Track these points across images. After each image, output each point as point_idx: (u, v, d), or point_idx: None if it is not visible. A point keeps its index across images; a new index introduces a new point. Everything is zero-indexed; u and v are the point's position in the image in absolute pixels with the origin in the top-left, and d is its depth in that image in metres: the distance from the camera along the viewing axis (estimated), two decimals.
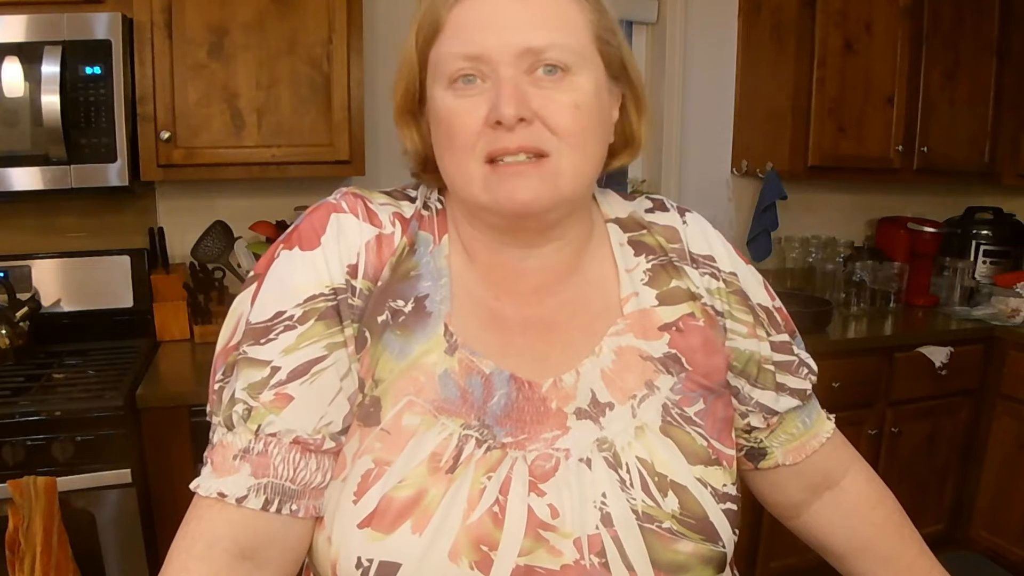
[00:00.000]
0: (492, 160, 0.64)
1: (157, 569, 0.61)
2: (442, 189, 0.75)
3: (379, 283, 0.67)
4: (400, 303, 0.67)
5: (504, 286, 0.71)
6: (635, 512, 0.64)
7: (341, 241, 0.67)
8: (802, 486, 0.82)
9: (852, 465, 0.83)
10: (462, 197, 0.67)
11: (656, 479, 0.66)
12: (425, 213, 0.73)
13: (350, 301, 0.66)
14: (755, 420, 0.78)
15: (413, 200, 0.73)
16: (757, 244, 2.66)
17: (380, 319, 0.66)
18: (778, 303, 0.80)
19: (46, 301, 2.01)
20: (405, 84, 0.70)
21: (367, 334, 0.66)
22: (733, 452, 0.72)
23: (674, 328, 0.73)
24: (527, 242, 0.70)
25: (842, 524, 0.81)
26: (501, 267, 0.71)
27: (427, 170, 0.74)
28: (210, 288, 2.13)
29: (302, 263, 0.66)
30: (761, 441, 0.80)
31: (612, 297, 0.74)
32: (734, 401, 0.77)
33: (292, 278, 0.65)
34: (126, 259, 2.08)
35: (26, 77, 1.69)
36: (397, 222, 0.70)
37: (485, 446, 0.64)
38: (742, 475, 0.81)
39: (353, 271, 0.66)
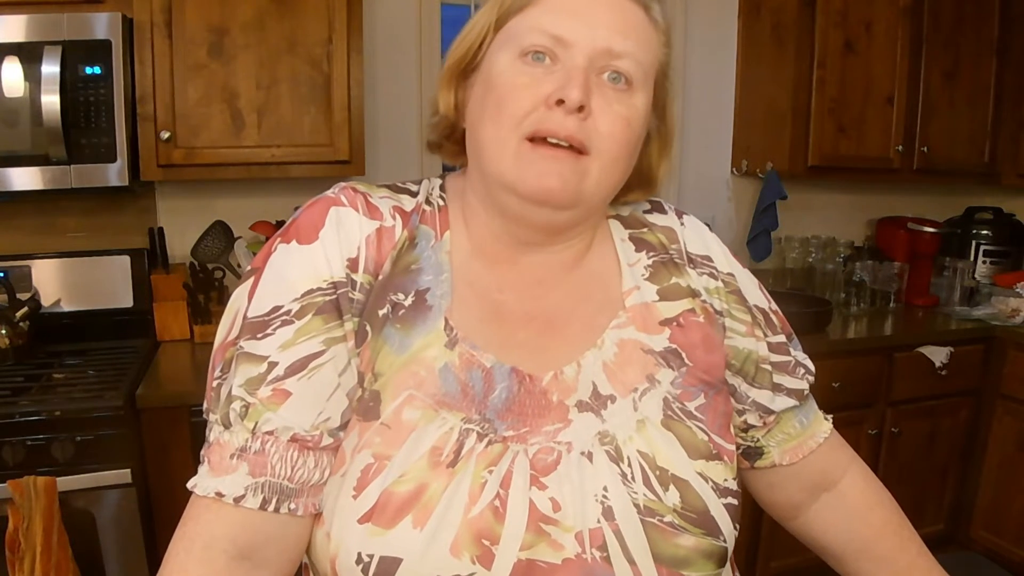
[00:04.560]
0: (533, 139, 0.64)
1: (157, 569, 0.61)
2: (444, 186, 0.75)
3: (380, 277, 0.67)
4: (400, 296, 0.67)
5: (509, 278, 0.71)
6: (636, 506, 0.64)
7: (341, 234, 0.66)
8: (800, 487, 0.82)
9: (850, 466, 0.83)
10: (488, 170, 0.67)
11: (657, 473, 0.66)
12: (427, 208, 0.72)
13: (351, 295, 0.65)
14: (751, 419, 0.78)
15: (414, 194, 0.73)
16: (757, 244, 2.66)
17: (381, 313, 0.66)
18: (774, 306, 0.81)
19: (46, 301, 2.01)
20: (468, 45, 0.70)
21: (368, 328, 0.66)
22: (734, 447, 0.72)
23: (675, 323, 0.73)
24: (535, 239, 0.71)
25: (840, 526, 0.81)
26: (507, 258, 0.71)
27: (451, 139, 0.74)
28: (210, 288, 2.14)
29: (300, 257, 0.65)
30: (758, 440, 0.80)
31: (614, 290, 0.74)
32: (731, 399, 0.77)
33: (289, 272, 0.65)
34: (126, 259, 2.08)
35: (26, 77, 1.69)
36: (397, 215, 0.70)
37: (486, 440, 0.64)
38: (740, 475, 0.81)
39: (353, 265, 0.66)
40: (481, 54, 0.69)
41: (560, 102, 0.62)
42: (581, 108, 0.63)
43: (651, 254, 0.76)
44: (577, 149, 0.64)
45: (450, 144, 0.75)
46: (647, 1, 0.69)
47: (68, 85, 1.71)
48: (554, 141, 0.63)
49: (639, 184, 0.75)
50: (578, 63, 0.64)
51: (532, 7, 0.66)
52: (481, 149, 0.67)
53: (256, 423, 0.62)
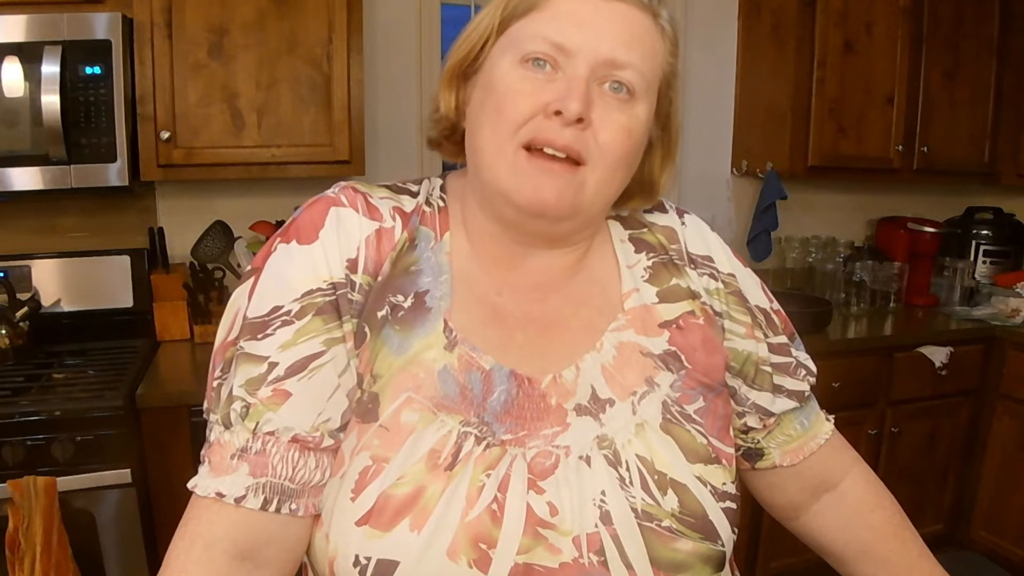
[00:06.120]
0: (530, 148, 0.64)
1: (157, 569, 0.61)
2: (444, 186, 0.75)
3: (379, 278, 0.67)
4: (399, 298, 0.67)
5: (508, 281, 0.71)
6: (634, 510, 0.64)
7: (340, 235, 0.66)
8: (801, 488, 0.82)
9: (852, 467, 0.83)
10: (484, 176, 0.67)
11: (656, 477, 0.66)
12: (427, 209, 0.72)
13: (350, 296, 0.65)
14: (751, 421, 0.78)
15: (414, 195, 0.73)
16: (757, 244, 2.66)
17: (380, 314, 0.66)
18: (776, 305, 0.80)
19: (46, 301, 2.01)
20: (471, 46, 0.69)
21: (366, 329, 0.65)
22: (733, 450, 0.72)
23: (674, 326, 0.73)
24: (535, 242, 0.71)
25: (841, 527, 0.81)
26: (507, 261, 0.71)
27: (451, 139, 0.74)
28: (210, 288, 2.13)
29: (300, 257, 0.65)
30: (758, 442, 0.80)
31: (613, 293, 0.74)
32: (731, 402, 0.77)
33: (289, 272, 0.65)
34: (126, 259, 2.08)
35: (26, 77, 1.69)
36: (398, 216, 0.70)
37: (484, 443, 0.64)
38: (741, 475, 0.81)
39: (353, 265, 0.66)
40: (483, 56, 0.69)
41: (558, 113, 0.62)
42: (580, 120, 0.62)
43: (651, 255, 0.76)
44: (574, 160, 0.64)
45: (450, 144, 0.75)
46: (656, 9, 0.68)
47: (68, 85, 1.71)
48: (550, 151, 0.63)
49: (640, 192, 0.75)
50: (579, 73, 0.63)
51: (537, 12, 0.65)
52: (478, 154, 0.67)
53: (257, 423, 0.61)
